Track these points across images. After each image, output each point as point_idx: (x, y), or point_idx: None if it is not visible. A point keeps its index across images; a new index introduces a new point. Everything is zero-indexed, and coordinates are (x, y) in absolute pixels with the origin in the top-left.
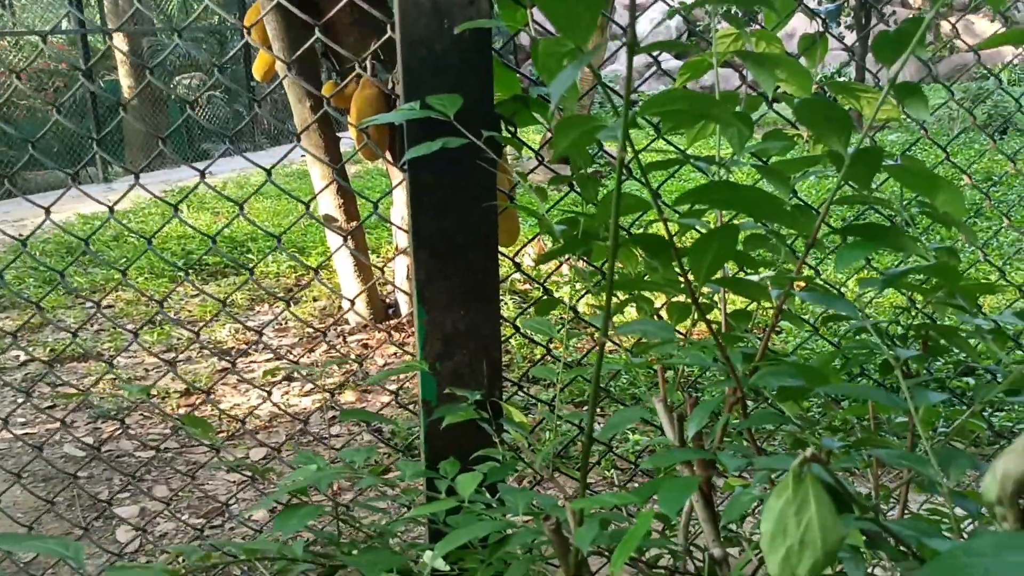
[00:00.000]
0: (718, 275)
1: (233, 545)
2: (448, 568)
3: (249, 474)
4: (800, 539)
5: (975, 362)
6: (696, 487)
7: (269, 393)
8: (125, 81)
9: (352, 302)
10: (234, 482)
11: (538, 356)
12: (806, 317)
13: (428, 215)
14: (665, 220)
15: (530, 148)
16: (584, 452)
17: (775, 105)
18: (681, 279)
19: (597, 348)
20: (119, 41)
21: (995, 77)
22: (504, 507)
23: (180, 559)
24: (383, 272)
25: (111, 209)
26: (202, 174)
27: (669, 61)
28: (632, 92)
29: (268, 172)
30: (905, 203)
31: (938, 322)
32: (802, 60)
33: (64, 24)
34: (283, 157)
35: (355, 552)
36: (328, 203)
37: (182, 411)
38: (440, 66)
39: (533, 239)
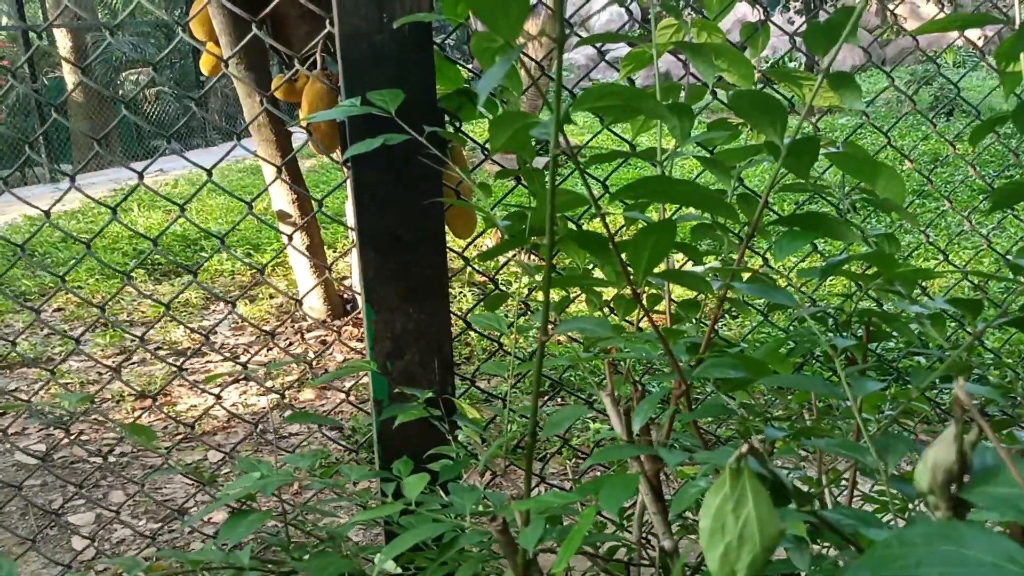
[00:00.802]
0: (660, 268)
1: (177, 555)
2: (400, 570)
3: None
4: (739, 535)
5: (920, 346)
6: (636, 486)
7: (219, 396)
8: (70, 78)
9: (299, 301)
10: (192, 486)
11: (497, 350)
12: (758, 304)
13: (372, 213)
14: (603, 215)
15: (475, 142)
16: (528, 450)
17: (721, 94)
18: (621, 274)
19: (537, 345)
20: (61, 37)
21: (933, 62)
22: (458, 508)
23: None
24: (329, 270)
25: (47, 213)
26: (140, 174)
27: (623, 50)
28: (581, 82)
29: (208, 172)
30: (849, 190)
31: (884, 308)
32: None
33: (3, 20)
34: (224, 156)
35: (306, 557)
36: (281, 199)
37: (137, 415)
38: (380, 60)
39: (485, 230)
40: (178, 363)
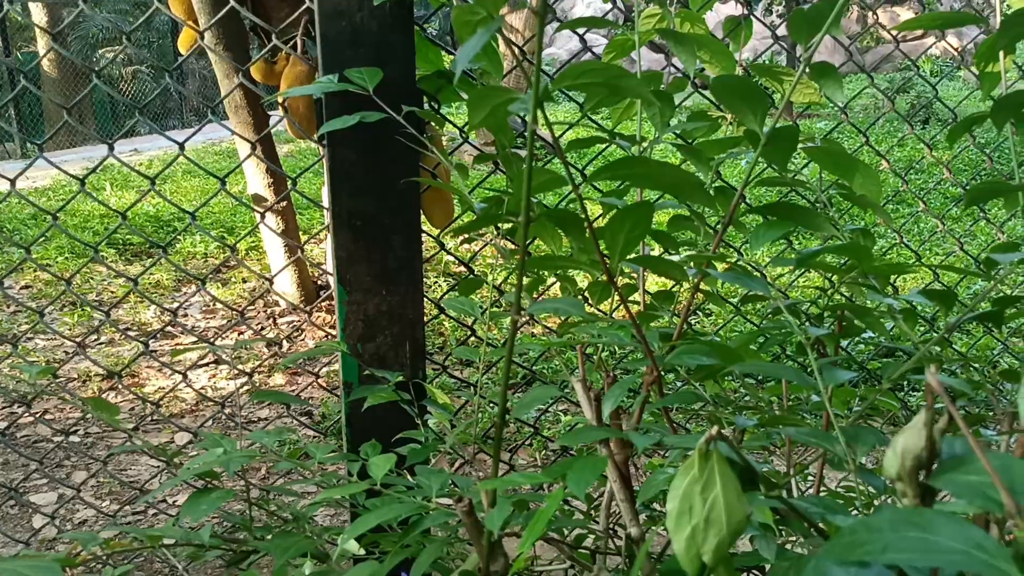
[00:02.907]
0: (635, 254)
1: (137, 531)
2: (363, 552)
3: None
4: (705, 518)
5: (891, 342)
6: (604, 468)
7: (185, 375)
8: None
9: (270, 280)
10: (158, 467)
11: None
12: (732, 298)
13: (347, 192)
14: (580, 196)
15: (453, 124)
16: (497, 433)
17: (703, 91)
18: (597, 258)
19: (509, 327)
20: (37, 11)
21: (912, 64)
22: (423, 489)
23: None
24: (301, 250)
25: (12, 183)
26: (110, 145)
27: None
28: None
29: (181, 146)
30: (826, 187)
31: (856, 303)
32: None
33: None
34: (196, 130)
35: (268, 537)
36: (257, 182)
37: (104, 394)
38: (359, 39)
39: (463, 213)
40: (147, 342)
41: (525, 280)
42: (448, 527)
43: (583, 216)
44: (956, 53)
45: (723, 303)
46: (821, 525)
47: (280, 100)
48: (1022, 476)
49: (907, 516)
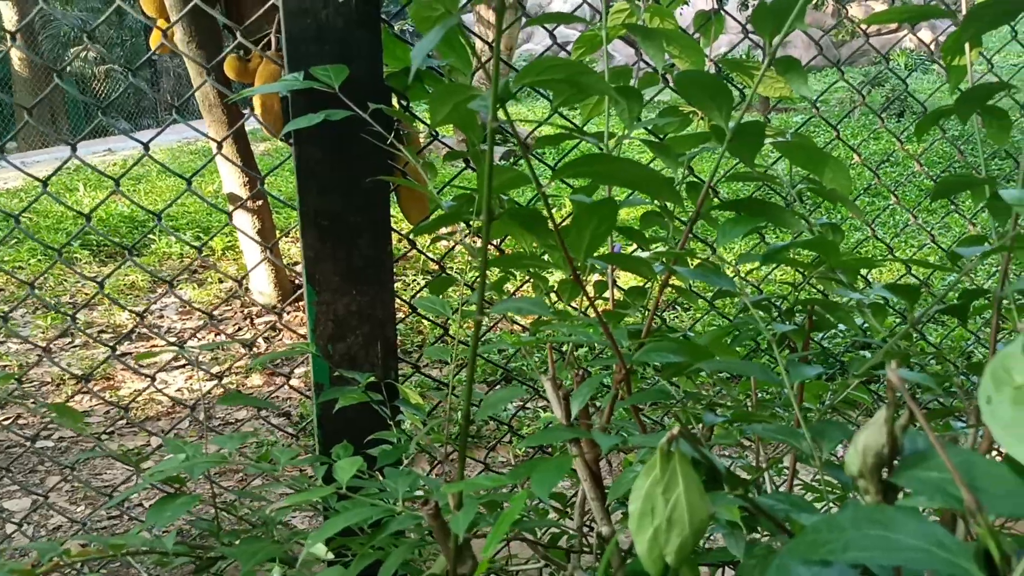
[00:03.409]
0: (603, 250)
1: (99, 539)
2: (332, 556)
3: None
4: (668, 518)
5: (865, 336)
6: (568, 468)
7: (153, 378)
8: (15, 53)
9: (239, 282)
10: (131, 471)
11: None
12: (706, 294)
13: (315, 191)
14: (544, 195)
15: (422, 122)
16: (462, 434)
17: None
18: (563, 256)
19: (472, 326)
20: (7, 10)
21: (884, 59)
22: (391, 492)
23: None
24: (270, 250)
25: None
26: (73, 147)
27: None
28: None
29: (145, 146)
30: (798, 182)
31: (829, 297)
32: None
33: None
34: (158, 133)
35: (236, 542)
36: (232, 181)
37: (78, 399)
38: (324, 36)
39: (433, 214)
40: (115, 346)
41: (493, 278)
42: (420, 528)
43: (547, 214)
44: (926, 47)
45: (695, 299)
46: (786, 523)
47: (254, 98)
48: (983, 472)
49: (869, 514)
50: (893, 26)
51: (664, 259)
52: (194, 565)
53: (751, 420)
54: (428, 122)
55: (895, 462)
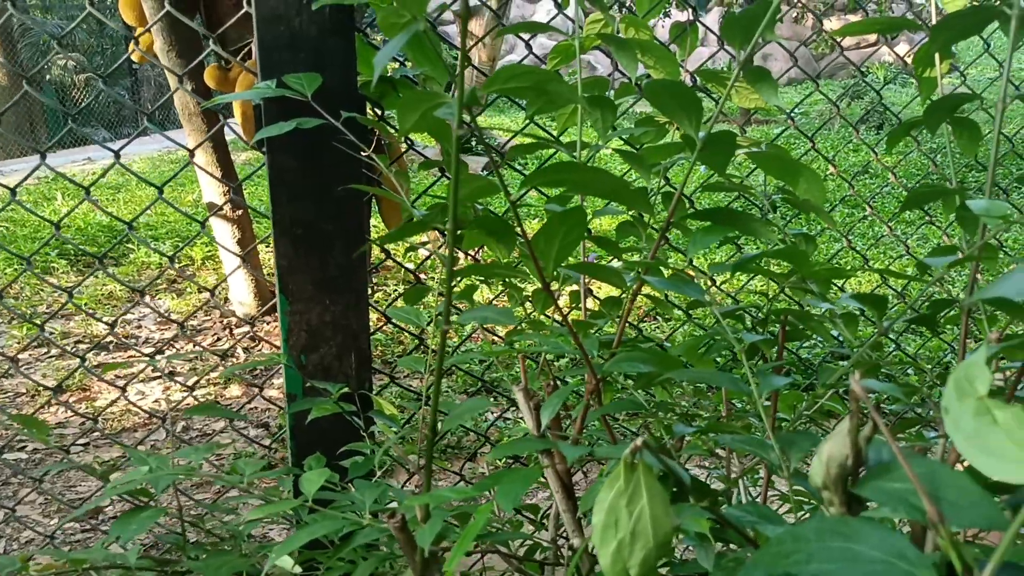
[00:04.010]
0: (574, 259)
1: (60, 554)
2: (300, 569)
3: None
4: (631, 531)
5: (837, 346)
6: (535, 479)
7: (124, 389)
8: None
9: (211, 291)
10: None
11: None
12: (682, 304)
13: (288, 200)
14: (514, 203)
15: (395, 130)
16: (428, 443)
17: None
18: (532, 266)
19: (439, 336)
20: None
21: (858, 69)
22: (358, 504)
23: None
24: (244, 259)
25: None
26: (43, 156)
27: None
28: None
29: (116, 154)
30: (772, 191)
31: (804, 308)
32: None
33: None
34: (129, 141)
35: (203, 556)
36: (212, 191)
37: (54, 409)
38: (297, 44)
39: (407, 251)
40: (86, 356)
41: (461, 287)
42: (392, 541)
43: (515, 224)
44: (902, 60)
45: (670, 308)
46: (752, 534)
47: (235, 107)
48: (946, 483)
49: (832, 525)
50: (872, 39)
51: (632, 268)
52: None
53: (722, 431)
54: (397, 129)
55: (861, 472)
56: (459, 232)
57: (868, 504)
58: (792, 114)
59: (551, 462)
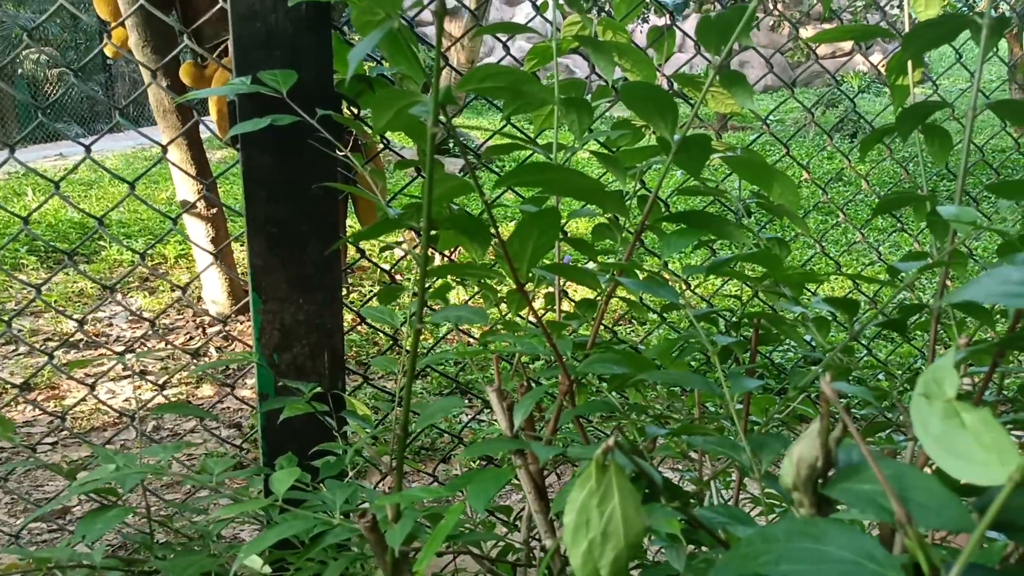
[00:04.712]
0: (545, 261)
1: (24, 552)
2: (269, 569)
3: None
4: (603, 531)
5: (809, 350)
6: (507, 480)
7: (92, 387)
8: None
9: (184, 290)
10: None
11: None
12: (656, 307)
13: (261, 198)
14: (488, 203)
15: (370, 128)
16: (400, 443)
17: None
18: (507, 266)
19: (411, 336)
20: None
21: (833, 78)
22: (328, 504)
23: None
24: (216, 257)
25: None
26: (12, 148)
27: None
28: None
29: (87, 148)
30: (747, 195)
31: (776, 311)
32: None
33: None
34: (101, 135)
35: (171, 556)
36: (185, 188)
37: (21, 408)
38: (273, 41)
39: (383, 250)
40: (53, 353)
41: (436, 287)
42: (363, 541)
43: (488, 223)
44: (876, 69)
45: (644, 311)
46: (723, 536)
47: (211, 104)
48: (915, 485)
49: (801, 526)
50: (846, 48)
51: (607, 270)
52: None
53: (694, 433)
54: (371, 126)
55: (830, 473)
56: (433, 232)
57: (838, 507)
58: (767, 121)
59: (524, 463)
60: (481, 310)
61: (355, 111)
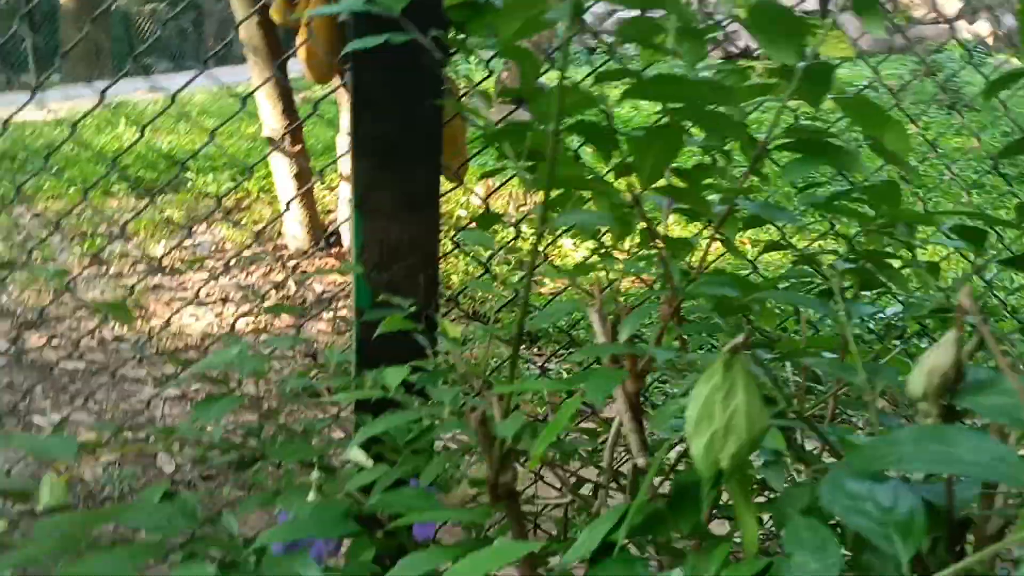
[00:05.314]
0: (661, 183)
1: (151, 428)
2: (371, 462)
3: (176, 392)
4: (725, 425)
5: (909, 296)
6: (622, 380)
7: (196, 294)
8: None
9: (266, 227)
10: (164, 398)
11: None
12: (749, 256)
13: (370, 117)
14: (610, 115)
15: (476, 59)
16: (516, 335)
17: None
18: (623, 181)
19: (536, 234)
20: None
21: (915, 59)
22: (435, 406)
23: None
24: (301, 194)
25: (5, 124)
26: (102, 94)
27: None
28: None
29: (172, 97)
30: (857, 140)
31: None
32: None
33: None
34: (190, 81)
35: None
36: (271, 125)
37: (111, 325)
38: None
39: (482, 178)
40: (147, 275)
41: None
42: (458, 448)
43: (612, 130)
44: (980, 39)
45: (743, 251)
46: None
47: (304, 26)
48: None
49: (931, 431)
50: (950, 14)
51: (724, 196)
52: (229, 466)
53: (801, 355)
54: (488, 53)
55: (959, 387)
56: (531, 164)
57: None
58: (868, 80)
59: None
60: (607, 214)
61: (462, 36)
